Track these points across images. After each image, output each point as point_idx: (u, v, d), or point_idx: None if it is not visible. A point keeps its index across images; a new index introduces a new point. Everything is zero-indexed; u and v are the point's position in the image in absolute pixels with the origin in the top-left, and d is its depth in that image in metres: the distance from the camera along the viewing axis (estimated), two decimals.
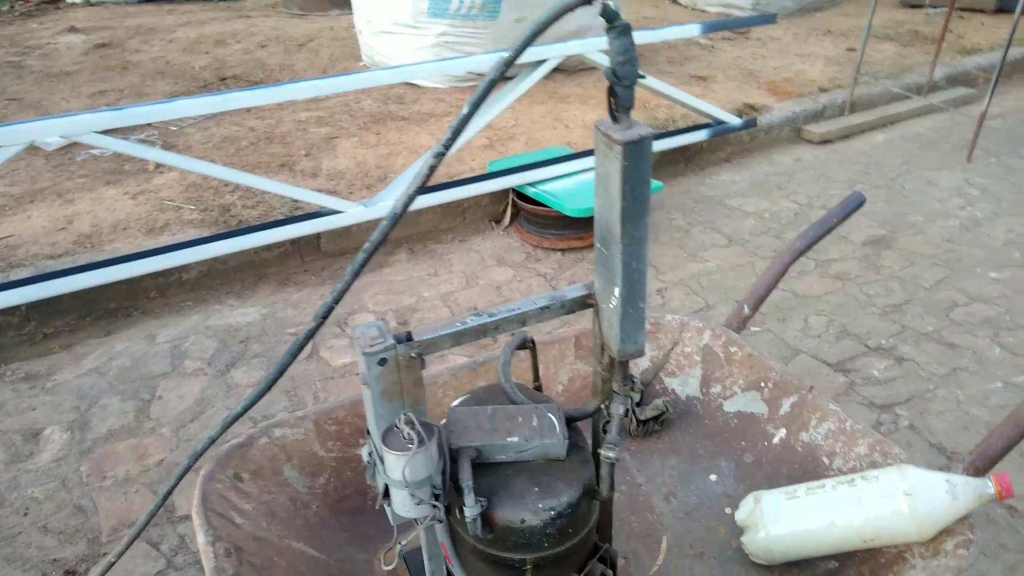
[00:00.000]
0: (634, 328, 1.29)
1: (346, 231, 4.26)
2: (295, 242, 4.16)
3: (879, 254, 4.29)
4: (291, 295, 4.01)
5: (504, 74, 1.10)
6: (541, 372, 2.16)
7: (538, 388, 1.68)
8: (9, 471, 2.87)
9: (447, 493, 1.36)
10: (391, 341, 1.24)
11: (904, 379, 3.27)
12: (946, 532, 1.59)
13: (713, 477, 2.04)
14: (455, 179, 4.44)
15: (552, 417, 1.42)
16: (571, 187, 4.38)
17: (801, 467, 1.94)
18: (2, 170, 4.90)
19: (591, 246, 4.39)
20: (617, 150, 1.13)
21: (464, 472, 1.33)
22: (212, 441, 1.45)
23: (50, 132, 3.17)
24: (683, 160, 5.29)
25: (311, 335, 1.29)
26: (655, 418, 2.13)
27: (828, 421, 1.94)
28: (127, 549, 1.71)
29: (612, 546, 1.73)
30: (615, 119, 1.14)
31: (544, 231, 4.41)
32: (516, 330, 1.43)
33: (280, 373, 1.33)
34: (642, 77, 3.06)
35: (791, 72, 6.68)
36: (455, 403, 1.57)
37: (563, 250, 4.39)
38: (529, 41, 1.06)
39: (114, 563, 1.79)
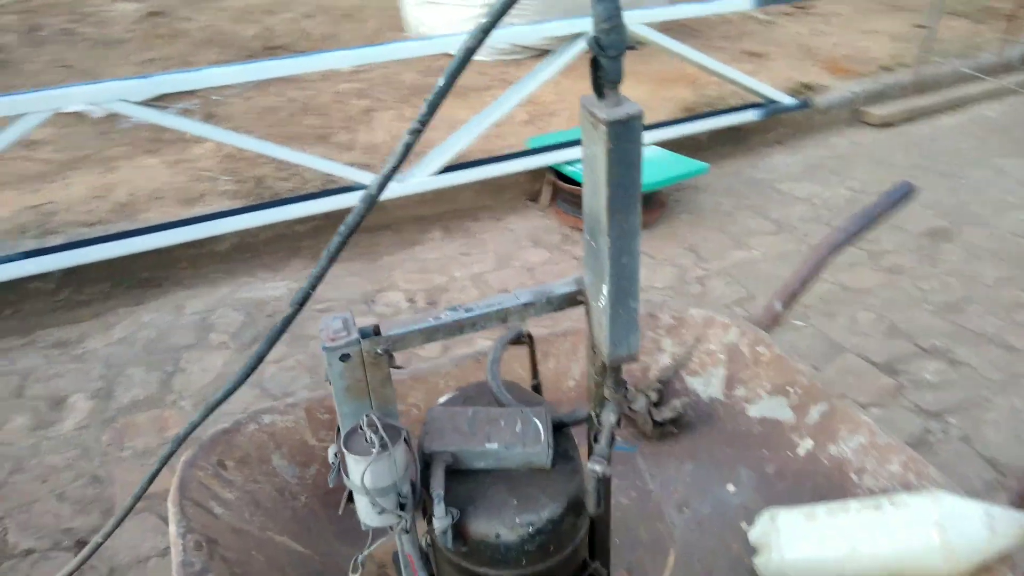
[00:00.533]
0: (625, 330, 1.16)
1: (380, 206, 4.18)
2: (328, 216, 4.10)
3: (937, 247, 4.02)
4: None
5: (481, 43, 0.99)
6: (551, 367, 2.05)
7: (536, 387, 1.56)
8: (31, 437, 2.89)
9: (418, 501, 1.26)
10: (355, 335, 1.14)
11: (958, 384, 3.05)
12: (983, 571, 1.42)
13: (731, 487, 1.89)
14: (493, 155, 4.31)
15: (538, 422, 1.30)
16: None
17: (827, 482, 1.78)
18: (50, 135, 4.97)
19: None
20: (602, 130, 0.99)
21: (436, 479, 1.22)
22: (194, 426, 1.37)
23: (76, 100, 3.15)
24: (732, 141, 5.06)
25: (288, 322, 1.19)
26: (672, 420, 1.99)
27: (859, 433, 1.78)
28: (112, 533, 1.66)
29: (609, 562, 1.61)
30: (600, 94, 1.00)
31: (581, 212, 4.24)
32: (512, 326, 1.32)
33: (259, 360, 1.24)
34: (631, 48, 2.80)
35: (852, 49, 6.33)
36: (441, 400, 1.47)
37: None
38: (508, 6, 0.94)
39: (101, 543, 1.74)
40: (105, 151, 4.74)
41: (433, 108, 1.06)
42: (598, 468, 1.23)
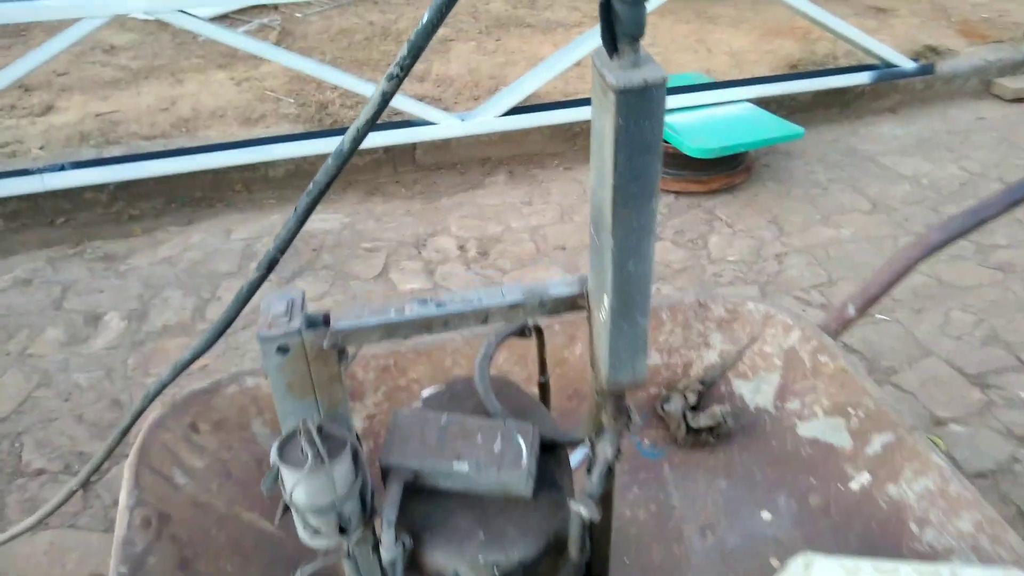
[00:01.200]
0: (630, 351, 0.92)
1: (444, 144, 3.97)
2: (389, 151, 3.92)
3: None
4: (376, 206, 3.79)
5: None
6: (577, 354, 1.81)
7: (544, 386, 1.33)
8: (63, 352, 2.86)
9: (367, 518, 1.07)
10: (297, 325, 0.93)
11: None
12: None
13: (766, 515, 1.65)
14: (569, 99, 4.01)
15: (521, 441, 1.08)
16: (697, 122, 3.86)
17: (880, 529, 1.51)
18: (130, 42, 4.92)
19: (710, 192, 3.88)
20: (611, 99, 0.74)
21: (390, 500, 1.03)
22: (164, 385, 1.22)
23: (132, 8, 3.01)
24: (838, 104, 4.58)
25: (255, 287, 1.01)
26: (710, 428, 1.74)
27: (928, 477, 1.49)
28: (85, 483, 1.56)
29: None
30: (613, 50, 0.75)
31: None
32: (507, 324, 1.10)
33: (229, 322, 1.07)
34: None
35: (993, 11, 5.63)
36: (424, 393, 1.27)
37: (677, 193, 3.91)
38: None
39: (76, 491, 1.65)
40: (180, 62, 4.66)
41: (415, 51, 0.83)
42: (583, 511, 1.01)
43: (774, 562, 1.56)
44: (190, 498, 1.41)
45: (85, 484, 1.52)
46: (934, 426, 2.61)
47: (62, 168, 3.28)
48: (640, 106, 0.74)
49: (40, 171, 3.23)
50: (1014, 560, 1.32)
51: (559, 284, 1.00)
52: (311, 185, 0.94)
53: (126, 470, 1.37)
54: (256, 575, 1.40)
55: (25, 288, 3.18)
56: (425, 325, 0.97)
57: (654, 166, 0.78)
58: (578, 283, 1.00)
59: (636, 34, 0.73)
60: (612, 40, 0.74)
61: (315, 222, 3.64)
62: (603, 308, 0.90)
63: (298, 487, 0.95)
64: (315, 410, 1.00)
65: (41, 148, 3.78)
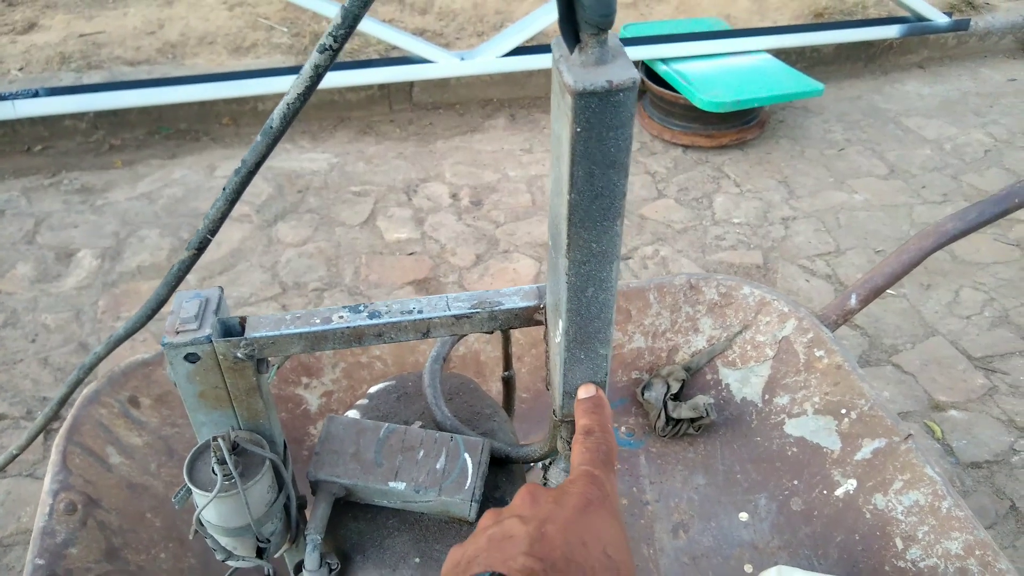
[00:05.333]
0: (585, 379, 0.80)
1: (443, 83, 3.78)
2: (384, 88, 3.73)
3: None
4: (368, 146, 3.62)
5: None
6: None
7: (508, 381, 1.22)
8: (32, 290, 2.76)
9: (291, 536, 0.97)
10: (206, 332, 0.81)
11: None
12: None
13: (744, 516, 1.55)
14: None
15: (468, 459, 0.97)
16: (710, 72, 3.65)
17: (863, 541, 1.42)
18: None
19: (720, 147, 3.70)
20: (568, 102, 0.60)
21: (316, 518, 0.92)
22: (100, 359, 1.11)
23: None
24: (863, 58, 4.34)
25: (187, 268, 0.88)
26: (691, 420, 1.64)
27: (919, 490, 1.39)
28: (26, 448, 1.47)
29: None
30: (574, 42, 0.60)
31: (667, 120, 3.74)
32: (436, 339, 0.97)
33: (160, 304, 0.94)
34: None
35: None
36: (372, 390, 1.15)
37: (685, 147, 3.73)
38: None
39: (16, 456, 1.56)
40: None
41: (352, 20, 0.69)
42: None
43: (748, 568, 1.47)
44: (124, 479, 1.32)
45: (16, 457, 1.43)
46: (932, 411, 2.51)
47: (36, 94, 3.12)
48: (604, 113, 0.60)
49: (12, 96, 3.07)
50: None
51: (514, 295, 0.87)
52: (239, 166, 0.81)
53: (53, 451, 1.27)
54: (192, 562, 1.32)
55: None
56: (356, 336, 0.84)
57: (619, 184, 0.64)
58: (536, 295, 0.87)
59: (603, 24, 0.58)
60: (573, 30, 0.59)
61: (302, 161, 3.50)
62: (558, 333, 0.77)
63: (208, 509, 0.85)
64: (233, 421, 0.89)
65: (20, 69, 3.60)
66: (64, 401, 1.16)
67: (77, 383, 1.09)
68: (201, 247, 0.88)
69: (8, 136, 3.33)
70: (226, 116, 3.61)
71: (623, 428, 1.70)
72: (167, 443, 1.42)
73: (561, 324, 0.76)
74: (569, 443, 0.90)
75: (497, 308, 0.86)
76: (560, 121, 0.64)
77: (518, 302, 0.86)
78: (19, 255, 2.88)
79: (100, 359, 1.08)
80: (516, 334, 1.43)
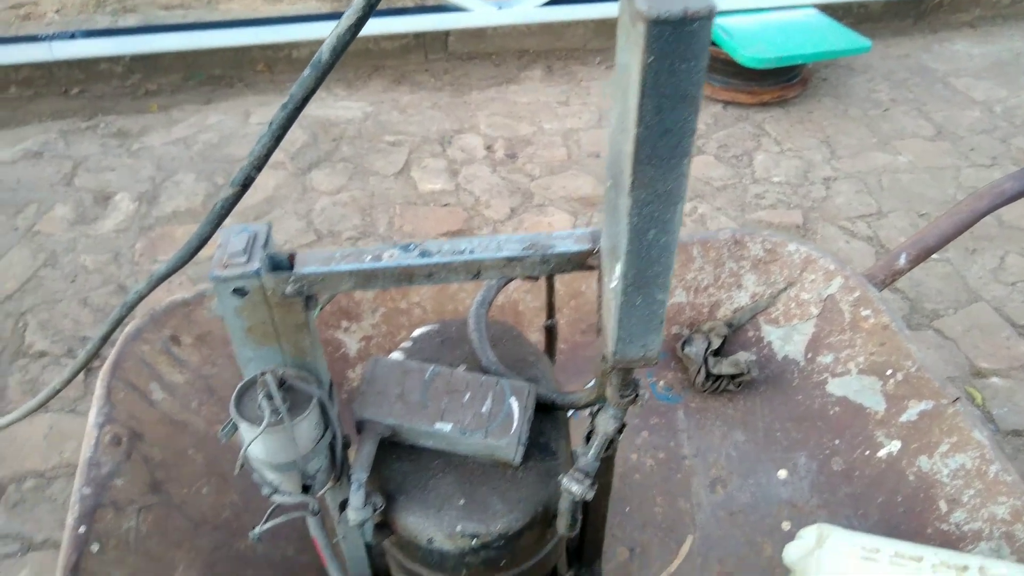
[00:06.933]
0: (642, 327, 0.78)
1: (479, 33, 3.71)
2: (419, 36, 3.67)
3: None
4: (403, 96, 3.58)
5: None
6: (595, 286, 1.67)
7: (550, 330, 1.20)
8: (71, 231, 2.78)
9: (336, 475, 0.97)
10: (255, 266, 0.80)
11: None
12: None
13: (783, 474, 1.53)
14: None
15: (514, 404, 0.96)
16: (754, 27, 3.55)
17: (905, 503, 1.40)
18: None
19: (761, 104, 3.61)
20: (640, 31, 0.57)
21: (362, 457, 0.92)
22: (141, 297, 1.11)
23: None
24: (912, 15, 4.19)
25: (231, 205, 0.87)
26: (732, 376, 1.61)
27: (965, 453, 1.36)
28: (68, 383, 1.49)
29: (600, 553, 1.32)
30: None
31: (708, 75, 3.64)
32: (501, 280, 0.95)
33: (204, 241, 0.93)
34: None
35: None
36: (415, 333, 1.14)
37: (725, 103, 3.64)
38: None
39: (59, 390, 1.58)
40: None
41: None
42: (575, 489, 0.89)
43: (785, 526, 1.46)
44: (166, 416, 1.33)
45: (60, 390, 1.45)
46: (973, 377, 2.46)
47: (72, 36, 3.11)
48: (678, 43, 0.57)
49: (49, 38, 3.06)
50: None
51: (567, 238, 0.84)
52: (287, 98, 0.79)
53: (98, 385, 1.28)
54: (234, 498, 1.34)
55: (36, 161, 3.07)
56: (406, 276, 0.83)
57: (690, 120, 0.61)
58: (590, 239, 0.84)
59: None
60: None
61: (337, 108, 3.47)
62: (614, 278, 0.75)
63: (255, 444, 0.85)
64: (280, 358, 0.88)
65: (57, 12, 3.59)
66: (107, 338, 1.16)
67: (119, 320, 1.09)
68: (246, 184, 0.86)
69: (45, 78, 3.34)
70: (261, 62, 3.58)
71: (661, 383, 1.68)
72: (208, 382, 1.42)
73: (619, 268, 0.73)
74: (619, 391, 0.89)
75: (549, 251, 0.84)
76: (628, 51, 0.61)
77: (571, 246, 0.84)
78: (58, 196, 2.90)
79: (142, 297, 1.07)
80: (557, 283, 1.41)
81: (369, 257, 0.82)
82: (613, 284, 0.76)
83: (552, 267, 0.84)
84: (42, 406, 1.39)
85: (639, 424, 1.62)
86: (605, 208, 0.78)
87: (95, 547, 1.11)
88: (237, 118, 3.36)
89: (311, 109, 3.41)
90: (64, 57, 3.16)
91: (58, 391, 1.36)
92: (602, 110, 3.54)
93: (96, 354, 1.22)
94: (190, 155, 3.14)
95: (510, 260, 0.83)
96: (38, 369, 2.31)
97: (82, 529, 1.12)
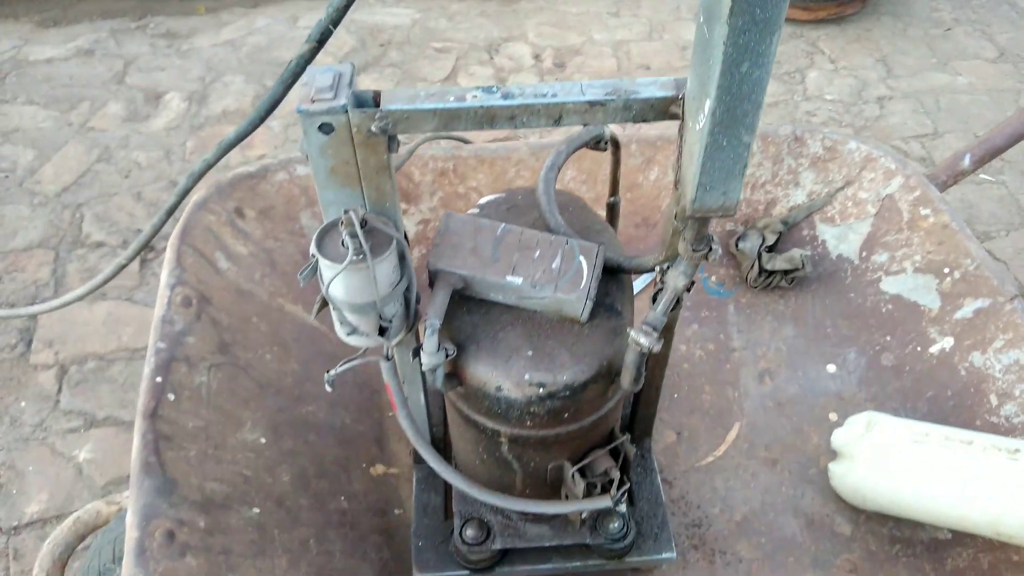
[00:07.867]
0: (725, 171, 0.79)
1: None
2: None
3: None
4: (450, 3, 3.53)
5: None
6: (652, 179, 1.67)
7: (613, 206, 1.21)
8: (123, 129, 2.82)
9: (412, 325, 1.00)
10: (342, 101, 0.81)
11: None
12: None
13: (831, 368, 1.55)
14: None
15: (583, 261, 0.98)
16: None
17: (956, 398, 1.41)
18: None
19: (816, 20, 3.50)
20: None
21: (436, 305, 0.95)
22: (209, 166, 1.14)
23: None
24: None
25: (306, 61, 0.87)
26: (785, 272, 1.61)
27: (1020, 349, 1.36)
28: (133, 258, 1.53)
29: (650, 431, 1.35)
30: None
31: None
32: (589, 126, 0.95)
33: (277, 101, 0.93)
34: None
35: None
36: (482, 200, 1.16)
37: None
38: None
39: (125, 265, 1.63)
40: None
41: None
42: (643, 341, 0.91)
43: (833, 416, 1.48)
44: (232, 284, 1.37)
45: (133, 259, 1.49)
46: None
47: None
48: None
49: None
50: None
51: (650, 84, 0.84)
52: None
53: (168, 248, 1.32)
54: (295, 367, 1.38)
55: (87, 59, 3.09)
56: (488, 117, 0.84)
57: None
58: (674, 86, 0.84)
59: None
60: None
61: (385, 15, 3.43)
62: (702, 116, 0.75)
63: (336, 282, 0.87)
64: (360, 202, 0.90)
65: None
66: (172, 210, 1.18)
67: (186, 191, 1.11)
68: (322, 39, 0.87)
69: None
70: None
71: (713, 278, 1.69)
72: (270, 255, 1.46)
73: (708, 104, 0.73)
74: (693, 244, 0.90)
75: (632, 97, 0.84)
76: None
77: (655, 92, 0.84)
78: (110, 94, 2.93)
79: (210, 166, 1.09)
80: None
81: (452, 98, 0.83)
82: (700, 124, 0.76)
83: (634, 114, 0.84)
84: (122, 270, 1.44)
85: (689, 317, 1.63)
86: (694, 47, 0.77)
87: (171, 396, 1.16)
88: (285, 22, 3.34)
89: (359, 14, 3.38)
90: None
91: (124, 266, 1.39)
92: (653, 23, 3.46)
93: (160, 228, 1.25)
94: (238, 57, 3.14)
95: (592, 104, 0.83)
96: (96, 258, 2.38)
97: (159, 379, 1.17)
